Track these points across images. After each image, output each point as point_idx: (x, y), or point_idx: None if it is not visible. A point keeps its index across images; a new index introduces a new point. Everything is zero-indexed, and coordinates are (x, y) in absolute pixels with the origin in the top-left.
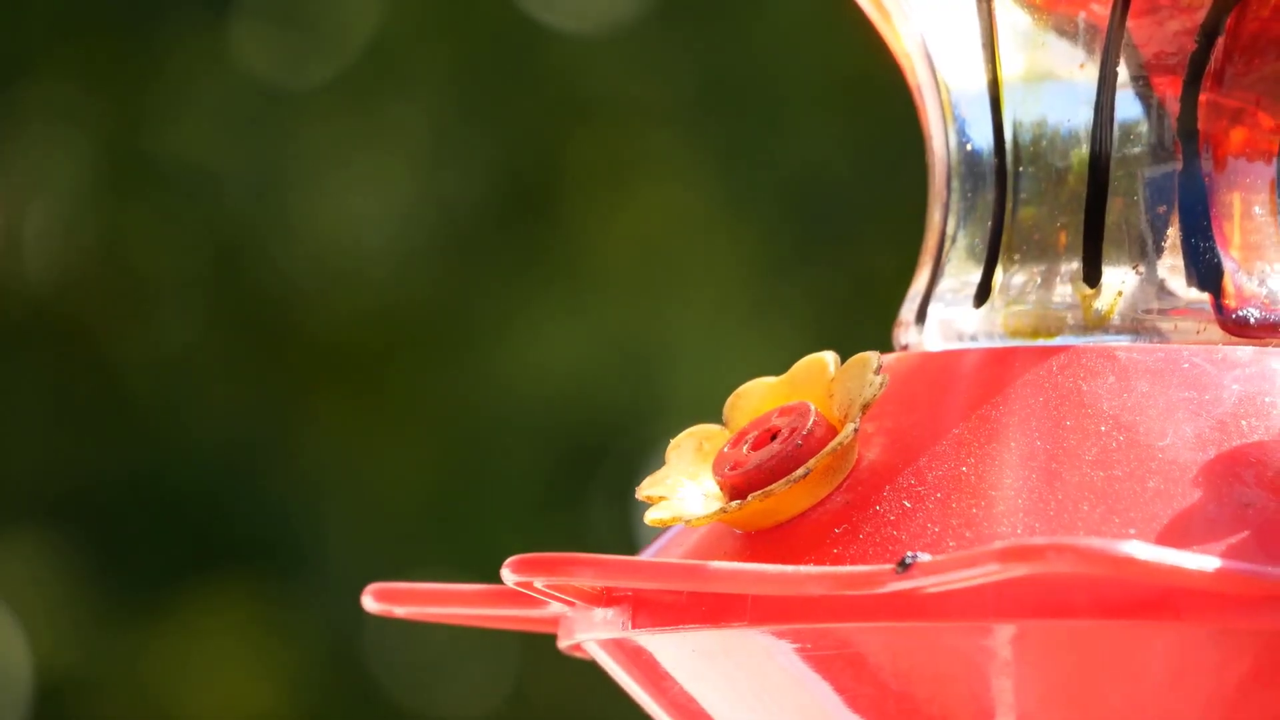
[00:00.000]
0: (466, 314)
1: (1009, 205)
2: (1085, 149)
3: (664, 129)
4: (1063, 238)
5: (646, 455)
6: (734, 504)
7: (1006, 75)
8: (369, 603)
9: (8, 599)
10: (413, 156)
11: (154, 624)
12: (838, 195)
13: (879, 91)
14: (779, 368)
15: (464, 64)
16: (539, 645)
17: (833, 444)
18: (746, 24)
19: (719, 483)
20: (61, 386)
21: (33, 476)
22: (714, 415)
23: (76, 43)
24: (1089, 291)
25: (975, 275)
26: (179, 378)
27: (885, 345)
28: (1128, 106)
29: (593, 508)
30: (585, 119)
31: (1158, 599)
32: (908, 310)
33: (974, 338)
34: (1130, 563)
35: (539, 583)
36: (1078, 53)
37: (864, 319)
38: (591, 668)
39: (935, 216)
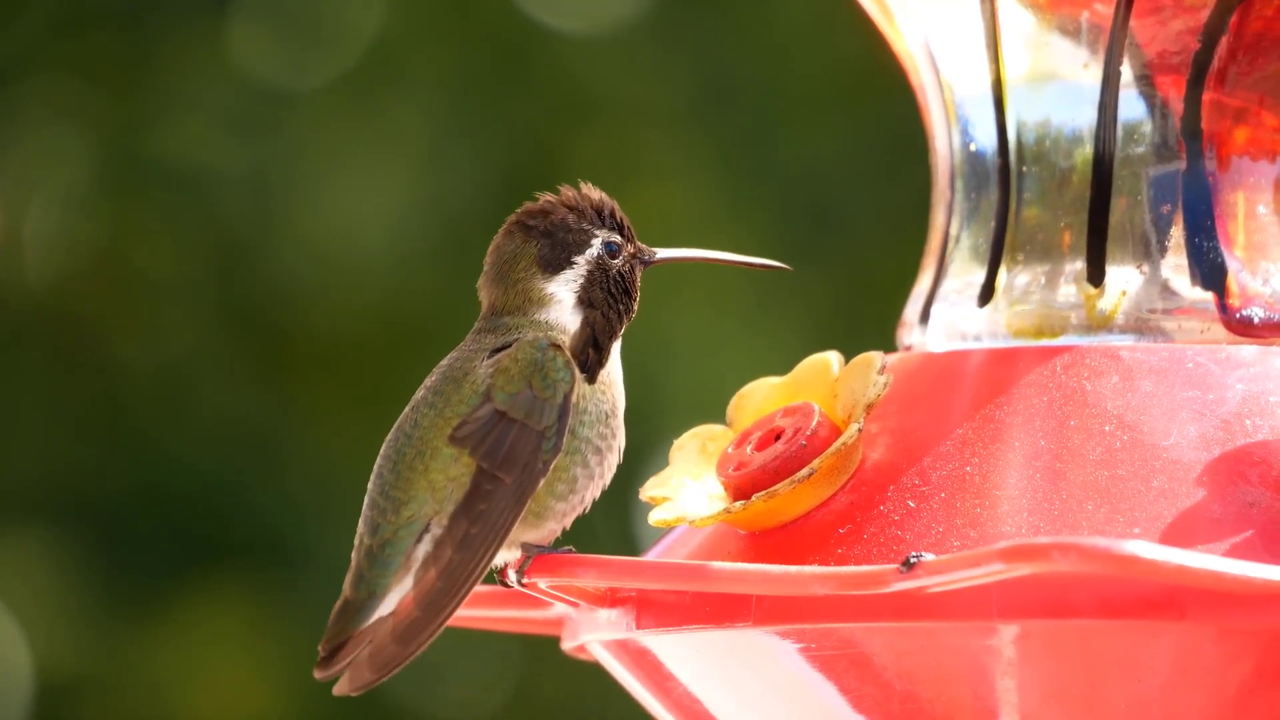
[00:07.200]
0: (466, 314)
1: (1013, 205)
2: (1089, 149)
3: (664, 129)
4: (1066, 238)
5: (644, 455)
6: (738, 504)
7: (1010, 75)
8: None
9: (8, 599)
10: (413, 157)
11: (154, 624)
12: (837, 195)
13: (878, 92)
14: (777, 368)
15: (464, 64)
16: (540, 647)
17: (837, 444)
18: (746, 24)
19: (723, 483)
20: (62, 386)
21: (33, 477)
22: (712, 415)
23: (77, 43)
24: (1093, 291)
25: (979, 275)
26: (179, 378)
27: (882, 345)
28: (1131, 106)
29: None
30: (585, 119)
31: (1162, 598)
32: (911, 310)
33: (978, 338)
34: (1135, 562)
35: (544, 584)
36: (1081, 53)
37: (862, 319)
38: (591, 670)
39: (939, 217)
